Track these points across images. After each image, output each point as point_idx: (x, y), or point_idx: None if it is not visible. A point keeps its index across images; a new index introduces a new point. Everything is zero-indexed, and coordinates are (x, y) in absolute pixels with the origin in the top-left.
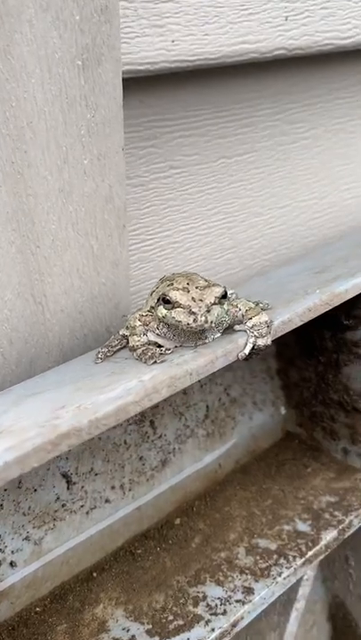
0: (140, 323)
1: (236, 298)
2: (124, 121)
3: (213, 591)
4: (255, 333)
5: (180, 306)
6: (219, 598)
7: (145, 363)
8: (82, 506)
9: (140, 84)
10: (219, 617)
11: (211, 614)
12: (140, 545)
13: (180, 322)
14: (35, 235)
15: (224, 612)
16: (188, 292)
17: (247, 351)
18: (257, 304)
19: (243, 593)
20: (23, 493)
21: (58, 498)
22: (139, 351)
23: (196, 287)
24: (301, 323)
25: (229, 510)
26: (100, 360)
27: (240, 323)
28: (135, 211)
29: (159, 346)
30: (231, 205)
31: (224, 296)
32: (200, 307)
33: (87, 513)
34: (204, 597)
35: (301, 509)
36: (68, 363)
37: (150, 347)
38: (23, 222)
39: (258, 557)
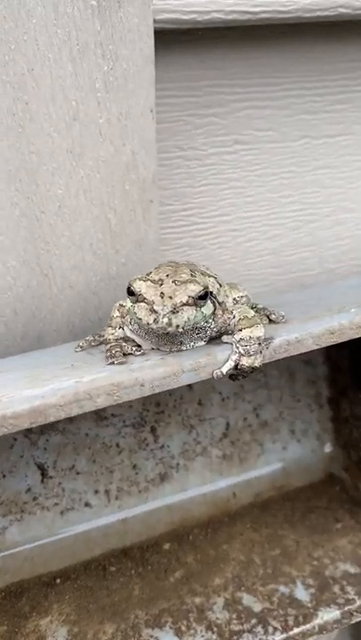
0: (118, 314)
1: (244, 302)
2: (179, 82)
3: None
4: (241, 350)
5: (144, 300)
6: None
7: (105, 360)
8: (56, 504)
9: (200, 40)
10: None
11: None
12: (117, 562)
13: (140, 320)
14: (39, 198)
15: None
16: (161, 285)
17: (225, 370)
18: (260, 313)
19: None
20: None
21: (29, 489)
22: (108, 346)
23: (174, 281)
24: (317, 347)
25: (227, 550)
26: (79, 349)
27: (231, 333)
28: (187, 188)
29: (138, 345)
30: (314, 196)
31: (202, 297)
32: (165, 305)
33: (62, 513)
34: None
35: (309, 572)
36: (58, 346)
37: (124, 343)
38: (26, 182)
39: (234, 616)
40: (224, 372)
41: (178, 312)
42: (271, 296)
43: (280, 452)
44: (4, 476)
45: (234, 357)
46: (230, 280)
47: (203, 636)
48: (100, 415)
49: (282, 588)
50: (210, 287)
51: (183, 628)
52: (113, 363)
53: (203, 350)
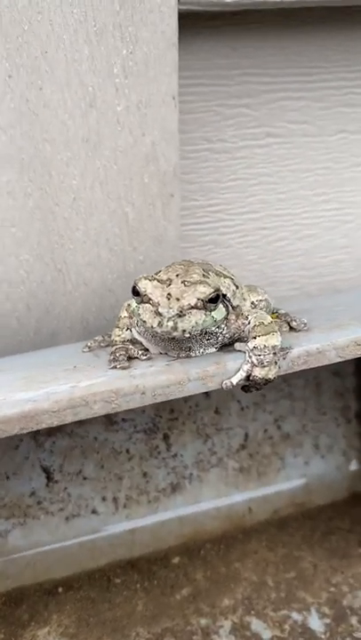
0: (126, 314)
1: (263, 307)
2: (208, 70)
3: None
4: (254, 359)
5: (149, 301)
6: None
7: (108, 364)
8: (61, 509)
9: (230, 26)
10: None
11: None
12: (122, 574)
13: (144, 322)
14: (53, 189)
15: None
16: (169, 285)
17: (235, 381)
18: (280, 319)
19: None
20: None
21: (34, 492)
22: (113, 348)
23: (183, 282)
24: (341, 359)
25: (239, 568)
26: (86, 349)
27: (245, 340)
28: (214, 182)
29: (145, 348)
30: (351, 194)
31: (213, 300)
32: (171, 308)
33: (67, 519)
34: None
35: (326, 599)
36: (69, 345)
37: (131, 346)
38: (40, 173)
39: None
40: (234, 384)
41: (185, 315)
42: (299, 300)
43: (302, 468)
44: (7, 478)
45: (246, 367)
46: (258, 282)
47: None
48: (110, 419)
49: (295, 615)
50: (223, 289)
51: None
52: (115, 367)
53: (212, 358)
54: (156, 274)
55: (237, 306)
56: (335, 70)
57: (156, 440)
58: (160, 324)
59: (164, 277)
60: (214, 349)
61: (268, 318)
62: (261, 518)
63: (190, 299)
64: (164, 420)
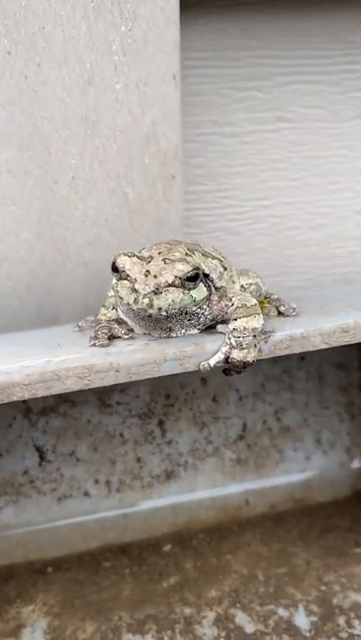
0: (112, 293)
1: (253, 290)
2: (216, 51)
3: None
4: (233, 341)
5: (127, 278)
6: None
7: (89, 341)
8: (54, 489)
9: (240, 5)
10: None
11: None
12: (112, 558)
13: (121, 299)
14: (52, 167)
15: None
16: (149, 262)
17: (212, 362)
18: (271, 304)
19: None
20: None
21: (26, 471)
22: (97, 327)
23: (164, 259)
24: (327, 345)
25: (230, 560)
26: (77, 328)
27: (227, 322)
28: (223, 167)
29: (130, 329)
30: None
31: (191, 278)
32: (148, 285)
33: (59, 499)
34: None
35: (315, 597)
36: (65, 325)
37: (116, 325)
38: (39, 150)
39: (223, 634)
40: (211, 365)
41: (161, 293)
42: (302, 289)
43: (302, 462)
44: (0, 455)
45: (224, 349)
46: (268, 271)
47: None
48: (103, 402)
49: (281, 611)
50: (206, 269)
51: (165, 639)
52: (94, 345)
53: (192, 339)
54: (140, 251)
55: (222, 287)
56: (352, 52)
57: (151, 425)
58: (136, 301)
59: (146, 255)
60: (196, 331)
61: (253, 301)
62: (258, 511)
63: (168, 276)
64: (159, 406)
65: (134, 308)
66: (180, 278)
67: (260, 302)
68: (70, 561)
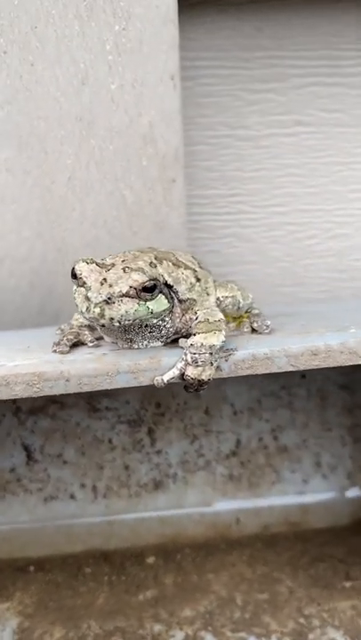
0: None
1: (229, 304)
2: (228, 51)
3: None
4: (188, 357)
5: (83, 285)
6: None
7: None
8: (40, 489)
9: (254, 3)
10: None
11: None
12: (94, 564)
13: (77, 306)
14: (49, 167)
15: None
16: (108, 270)
17: (166, 378)
18: (248, 320)
19: None
20: None
21: (14, 469)
22: (66, 332)
23: (124, 268)
24: (293, 368)
25: (211, 580)
26: (59, 331)
27: (189, 336)
28: (236, 171)
29: (101, 336)
30: None
31: (148, 289)
32: (100, 294)
33: (45, 500)
34: None
35: (291, 630)
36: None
37: (86, 332)
38: (37, 150)
39: None
40: (165, 381)
41: (114, 303)
42: (318, 302)
43: (300, 485)
44: None
45: (180, 365)
46: (283, 281)
47: None
48: (93, 406)
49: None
50: (170, 280)
51: None
52: (55, 350)
53: (150, 352)
54: (103, 258)
55: (189, 299)
56: None
57: (140, 434)
58: (88, 310)
59: (109, 262)
60: (160, 343)
61: (218, 316)
62: (249, 532)
63: (122, 286)
64: (149, 414)
65: (87, 316)
66: (135, 289)
67: (239, 317)
68: (53, 562)
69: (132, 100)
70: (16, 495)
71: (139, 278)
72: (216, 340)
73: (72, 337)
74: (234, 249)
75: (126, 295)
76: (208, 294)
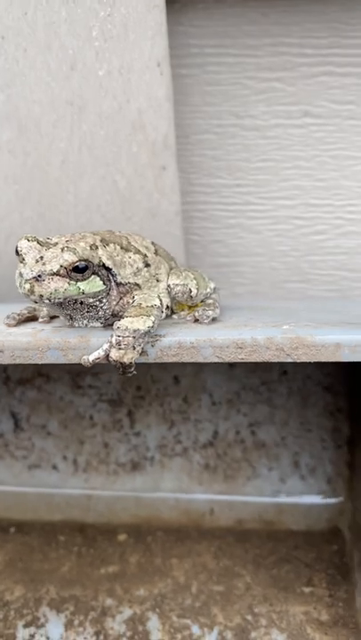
0: None
1: (178, 291)
2: (235, 38)
3: (54, 629)
4: (113, 340)
5: (22, 261)
6: (47, 639)
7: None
8: (25, 457)
9: None
10: None
11: None
12: (69, 534)
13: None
14: (44, 149)
15: None
16: (47, 248)
17: (91, 358)
18: (199, 305)
19: None
20: None
21: (2, 435)
22: (25, 307)
23: (63, 247)
24: (219, 360)
25: (174, 565)
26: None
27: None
28: (242, 162)
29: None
30: None
31: (79, 269)
32: (32, 270)
33: (29, 468)
34: (41, 625)
35: (236, 625)
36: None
37: (41, 308)
38: (33, 132)
39: (128, 634)
40: (90, 360)
41: (44, 281)
42: (323, 300)
43: (277, 484)
44: None
45: (105, 346)
46: (289, 277)
47: (85, 639)
48: (76, 382)
49: (194, 629)
50: (108, 262)
51: (75, 622)
52: (8, 323)
53: (81, 331)
54: (50, 237)
55: (129, 283)
56: None
57: (120, 414)
58: (20, 285)
59: (53, 241)
60: (99, 324)
61: (152, 302)
62: (222, 524)
63: (53, 265)
64: (129, 396)
65: (20, 292)
66: (66, 268)
67: (195, 306)
68: (32, 526)
69: (119, 86)
70: (2, 459)
71: (69, 258)
72: (142, 324)
73: (26, 312)
74: (239, 240)
75: (57, 274)
76: (158, 280)
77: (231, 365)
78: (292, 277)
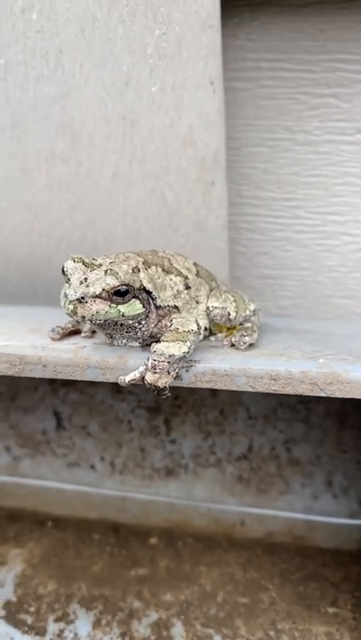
0: None
1: (217, 314)
2: (291, 54)
3: (83, 626)
4: (149, 363)
5: (68, 281)
6: (75, 636)
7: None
8: (65, 455)
9: (318, 4)
10: None
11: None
12: (103, 533)
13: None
14: (96, 161)
15: None
16: (92, 270)
17: (128, 379)
18: (238, 328)
19: None
20: (14, 408)
21: (45, 432)
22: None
23: (107, 270)
24: (252, 390)
25: (201, 573)
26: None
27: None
28: (293, 175)
29: None
30: None
31: (120, 293)
32: (76, 292)
33: (68, 466)
34: (70, 622)
35: (258, 638)
36: None
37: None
38: (87, 144)
39: (152, 638)
40: (126, 381)
41: (87, 303)
42: (323, 321)
43: (309, 501)
44: (25, 411)
45: (141, 369)
46: (333, 292)
47: (111, 639)
48: (116, 388)
49: (217, 639)
50: (149, 286)
51: (103, 622)
52: (52, 338)
53: (121, 351)
54: (99, 257)
55: (168, 306)
56: None
57: (157, 421)
58: (64, 305)
59: (98, 262)
60: (137, 344)
61: (190, 326)
62: (252, 535)
63: (96, 287)
64: (167, 405)
65: (64, 311)
66: (108, 292)
67: (233, 328)
68: (68, 522)
69: (172, 102)
70: (44, 456)
71: (111, 282)
72: (178, 350)
73: (70, 325)
74: (286, 253)
75: (99, 297)
76: (198, 302)
77: None
78: (337, 293)
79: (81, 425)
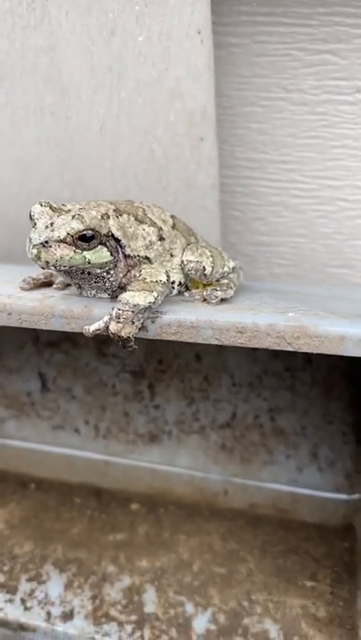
0: None
1: (192, 268)
2: (287, 7)
3: (54, 587)
4: (113, 312)
5: (34, 226)
6: (46, 596)
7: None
8: (50, 417)
9: None
10: (18, 608)
11: (22, 599)
12: (84, 497)
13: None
14: (84, 115)
15: (28, 609)
16: (59, 215)
17: (92, 328)
18: (215, 284)
19: (63, 618)
20: None
21: (29, 393)
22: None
23: (75, 215)
24: (218, 342)
25: (180, 541)
26: None
27: None
28: (288, 137)
29: None
30: None
31: (85, 238)
32: (40, 236)
33: (53, 428)
34: (42, 582)
35: (231, 609)
36: None
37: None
38: (74, 97)
39: (123, 602)
40: (90, 331)
41: (51, 247)
42: (305, 285)
43: (293, 472)
44: (10, 372)
45: (105, 318)
46: (330, 260)
47: (81, 601)
48: (101, 350)
49: (188, 607)
50: (118, 233)
51: (75, 584)
52: (22, 287)
53: (87, 301)
54: (65, 204)
55: (138, 256)
56: None
57: (142, 386)
58: (28, 250)
59: (68, 207)
60: (107, 295)
61: (159, 277)
62: (235, 506)
63: (60, 231)
64: (151, 369)
65: (28, 256)
66: (72, 236)
67: (209, 284)
68: (50, 485)
69: (158, 53)
70: (29, 417)
71: (76, 226)
72: (143, 300)
73: (42, 277)
74: (281, 219)
75: (63, 241)
76: (172, 255)
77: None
78: (333, 262)
79: (66, 387)
